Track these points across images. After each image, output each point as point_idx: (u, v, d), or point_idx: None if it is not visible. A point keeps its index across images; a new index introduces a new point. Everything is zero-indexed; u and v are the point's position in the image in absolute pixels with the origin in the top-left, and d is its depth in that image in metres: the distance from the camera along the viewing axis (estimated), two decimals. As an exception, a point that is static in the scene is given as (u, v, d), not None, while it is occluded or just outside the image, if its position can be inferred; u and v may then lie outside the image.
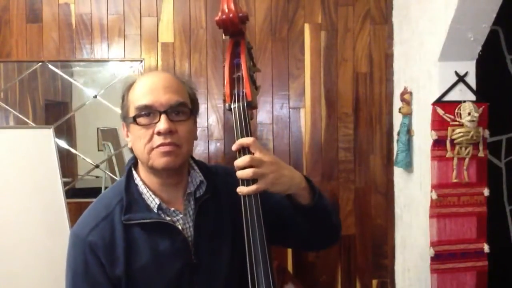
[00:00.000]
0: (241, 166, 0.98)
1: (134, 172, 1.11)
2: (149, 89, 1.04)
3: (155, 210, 1.06)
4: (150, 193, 1.07)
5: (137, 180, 1.09)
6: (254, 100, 1.12)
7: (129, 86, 1.09)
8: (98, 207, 1.10)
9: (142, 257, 1.03)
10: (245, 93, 1.10)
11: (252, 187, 0.98)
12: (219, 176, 1.18)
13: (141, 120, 1.02)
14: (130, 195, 1.07)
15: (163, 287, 1.05)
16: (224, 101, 1.13)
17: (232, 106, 1.09)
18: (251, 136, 1.05)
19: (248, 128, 1.06)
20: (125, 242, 1.03)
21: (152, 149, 1.02)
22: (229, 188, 1.13)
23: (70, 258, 1.07)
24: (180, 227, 1.07)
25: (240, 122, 1.06)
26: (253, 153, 1.00)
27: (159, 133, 1.01)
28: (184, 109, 1.06)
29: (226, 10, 1.13)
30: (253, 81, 1.16)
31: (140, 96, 1.04)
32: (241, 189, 0.99)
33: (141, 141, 1.03)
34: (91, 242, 1.03)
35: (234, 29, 1.15)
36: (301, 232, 1.14)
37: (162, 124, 1.01)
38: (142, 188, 1.08)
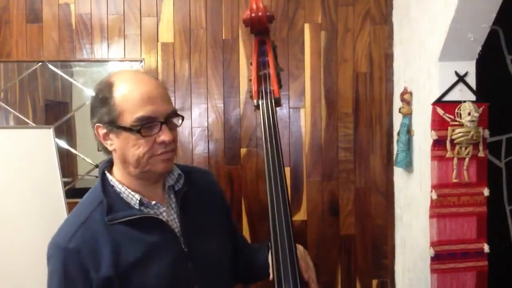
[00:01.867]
0: None
1: (108, 174, 1.11)
2: (148, 99, 1.03)
3: (137, 206, 1.06)
4: (129, 190, 1.07)
5: (113, 182, 1.09)
6: (280, 97, 1.18)
7: (108, 87, 1.05)
8: (74, 215, 1.09)
9: (131, 254, 1.03)
10: (273, 90, 1.15)
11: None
12: (195, 171, 1.23)
13: (145, 131, 1.02)
14: (109, 196, 1.06)
15: (159, 279, 1.05)
16: (251, 97, 1.18)
17: (260, 102, 1.15)
18: (278, 131, 1.13)
19: (276, 123, 1.13)
20: (111, 242, 1.02)
21: (152, 156, 1.04)
22: (207, 186, 1.23)
23: (51, 272, 1.04)
24: (164, 220, 1.08)
25: (268, 118, 1.12)
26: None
27: (163, 143, 1.03)
28: (177, 116, 1.09)
29: (255, 9, 1.16)
30: (279, 79, 1.21)
31: (139, 106, 1.02)
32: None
33: (140, 149, 1.03)
34: (73, 248, 1.00)
35: (261, 28, 1.20)
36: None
37: (167, 135, 1.03)
38: (119, 188, 1.08)
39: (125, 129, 1.02)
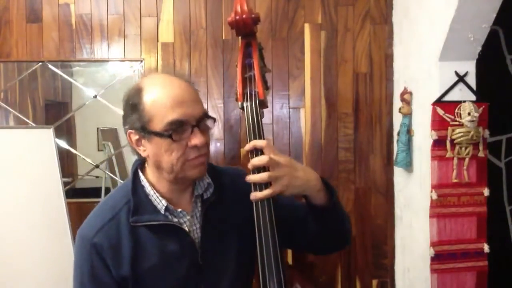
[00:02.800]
0: (257, 165, 1.01)
1: (140, 174, 1.11)
2: (179, 102, 1.01)
3: (162, 211, 1.06)
4: (157, 194, 1.07)
5: (144, 182, 1.09)
6: (266, 99, 1.16)
7: (137, 92, 1.04)
8: (104, 208, 1.10)
9: (149, 259, 1.04)
10: (257, 92, 1.14)
11: (267, 191, 1.01)
12: (227, 177, 1.19)
13: (176, 136, 1.00)
14: (137, 197, 1.07)
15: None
16: (237, 100, 1.16)
17: (244, 105, 1.13)
18: (263, 134, 1.09)
19: (260, 126, 1.10)
20: (132, 243, 1.04)
21: (186, 162, 1.03)
22: (237, 189, 1.15)
23: (77, 259, 1.08)
24: (187, 229, 1.08)
25: (252, 120, 1.10)
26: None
27: (195, 147, 1.01)
28: (208, 118, 1.06)
29: (240, 11, 1.14)
30: (264, 81, 1.20)
31: (169, 110, 1.00)
32: (256, 195, 1.02)
33: (173, 155, 1.02)
34: (97, 243, 1.03)
35: (247, 30, 1.19)
36: (312, 235, 1.15)
37: (199, 138, 1.01)
38: (149, 190, 1.08)
39: (156, 134, 1.01)
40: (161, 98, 1.01)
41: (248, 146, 1.04)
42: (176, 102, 1.01)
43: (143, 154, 1.07)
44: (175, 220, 1.07)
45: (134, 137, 1.06)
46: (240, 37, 1.22)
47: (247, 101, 1.13)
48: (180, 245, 1.06)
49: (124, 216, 1.05)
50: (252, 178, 1.01)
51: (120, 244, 1.04)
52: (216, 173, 1.16)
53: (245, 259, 1.15)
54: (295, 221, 1.15)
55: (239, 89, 1.15)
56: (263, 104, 1.15)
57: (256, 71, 1.16)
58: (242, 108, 1.14)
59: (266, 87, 1.20)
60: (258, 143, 1.03)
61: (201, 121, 1.04)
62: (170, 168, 1.03)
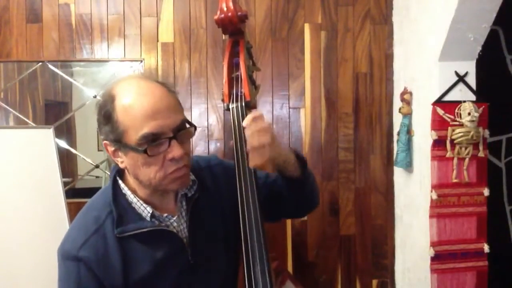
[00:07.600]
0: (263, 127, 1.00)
1: (120, 182, 1.06)
2: (152, 113, 0.94)
3: (148, 218, 1.02)
4: (141, 202, 1.03)
5: (125, 190, 1.05)
6: (253, 100, 1.12)
7: (110, 101, 0.97)
8: (86, 220, 1.04)
9: (141, 268, 1.01)
10: (244, 93, 1.10)
11: (267, 150, 1.00)
12: (204, 170, 1.16)
13: (152, 150, 0.94)
14: (120, 206, 1.02)
15: None
16: (223, 100, 1.13)
17: (230, 106, 1.10)
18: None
19: None
20: (121, 255, 1.00)
21: (165, 176, 0.98)
22: (215, 180, 1.16)
23: (61, 278, 1.02)
24: (174, 230, 1.05)
25: (238, 122, 1.06)
26: None
27: (173, 159, 0.96)
28: (187, 126, 1.01)
29: (225, 9, 1.11)
30: (252, 81, 1.16)
31: (142, 122, 0.93)
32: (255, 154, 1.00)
33: (150, 169, 0.97)
34: (84, 257, 0.98)
35: (233, 28, 1.14)
36: (289, 204, 1.19)
37: (177, 151, 0.96)
38: (131, 197, 1.04)
39: (131, 148, 0.95)
40: (133, 109, 0.94)
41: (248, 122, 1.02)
42: (149, 113, 0.94)
43: (121, 166, 1.02)
44: (163, 224, 1.04)
45: (110, 148, 1.00)
46: (228, 36, 1.18)
47: (233, 102, 1.10)
48: (170, 248, 1.03)
49: (109, 227, 1.00)
50: (258, 138, 0.99)
51: (108, 257, 0.99)
52: (197, 169, 1.13)
53: (233, 250, 1.13)
54: (275, 196, 1.17)
55: (225, 90, 1.12)
56: (250, 105, 1.10)
57: (243, 71, 1.12)
58: (228, 109, 1.10)
59: (254, 87, 1.16)
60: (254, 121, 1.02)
61: (180, 131, 0.97)
62: (148, 182, 0.99)
